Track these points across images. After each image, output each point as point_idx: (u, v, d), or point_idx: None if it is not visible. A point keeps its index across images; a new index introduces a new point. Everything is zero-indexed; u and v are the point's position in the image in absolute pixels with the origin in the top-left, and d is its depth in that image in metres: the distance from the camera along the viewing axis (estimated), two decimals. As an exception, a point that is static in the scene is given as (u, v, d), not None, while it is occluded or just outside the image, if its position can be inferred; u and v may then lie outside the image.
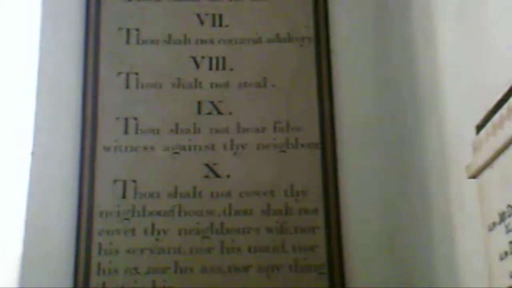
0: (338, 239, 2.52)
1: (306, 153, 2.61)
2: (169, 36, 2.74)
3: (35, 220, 2.52)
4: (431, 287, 2.16)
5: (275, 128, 2.64)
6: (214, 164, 2.60)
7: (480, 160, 1.59)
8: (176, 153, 2.62)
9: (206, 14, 2.75)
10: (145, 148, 2.62)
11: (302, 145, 2.62)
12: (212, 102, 2.67)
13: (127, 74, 2.70)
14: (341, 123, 2.64)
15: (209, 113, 2.66)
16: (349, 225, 2.55)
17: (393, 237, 2.51)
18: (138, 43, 2.74)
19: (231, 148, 2.62)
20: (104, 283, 2.46)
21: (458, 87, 1.87)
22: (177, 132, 2.64)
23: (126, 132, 2.64)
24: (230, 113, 2.66)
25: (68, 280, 2.45)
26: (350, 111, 2.65)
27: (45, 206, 2.55)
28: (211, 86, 2.70)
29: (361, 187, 2.59)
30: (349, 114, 2.65)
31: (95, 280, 2.46)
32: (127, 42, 2.74)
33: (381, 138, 2.60)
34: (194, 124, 2.65)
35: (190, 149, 2.62)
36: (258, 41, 2.74)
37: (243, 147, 2.62)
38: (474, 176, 1.64)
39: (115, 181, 2.58)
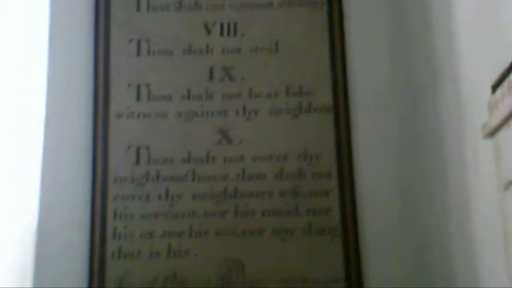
0: (352, 202, 2.53)
1: (319, 117, 2.61)
2: (180, 2, 2.73)
3: (50, 187, 2.55)
4: (445, 246, 2.18)
5: (287, 92, 2.64)
6: (227, 129, 2.61)
7: (496, 120, 1.59)
8: (189, 119, 2.63)
9: None
10: (158, 114, 2.63)
11: (315, 110, 2.62)
12: (224, 68, 2.67)
13: (138, 41, 2.70)
14: (354, 86, 2.63)
15: (221, 79, 2.66)
16: (362, 188, 2.55)
17: (407, 198, 2.52)
18: (148, 10, 2.73)
19: (244, 114, 2.63)
20: (120, 247, 2.49)
21: (474, 47, 1.86)
22: (189, 98, 2.65)
23: (138, 99, 2.65)
24: (242, 79, 2.66)
25: (84, 245, 2.48)
26: (363, 74, 2.64)
27: (60, 173, 2.57)
28: (223, 52, 2.69)
29: (375, 150, 2.59)
30: (362, 77, 2.63)
31: (111, 244, 2.49)
32: (138, 9, 2.73)
33: (395, 100, 2.60)
34: (206, 90, 2.65)
35: (202, 115, 2.63)
36: (269, 5, 2.72)
37: (255, 112, 2.62)
38: (490, 136, 1.65)
39: (129, 147, 2.60)
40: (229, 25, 2.72)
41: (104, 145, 2.60)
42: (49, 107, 2.63)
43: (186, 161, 2.59)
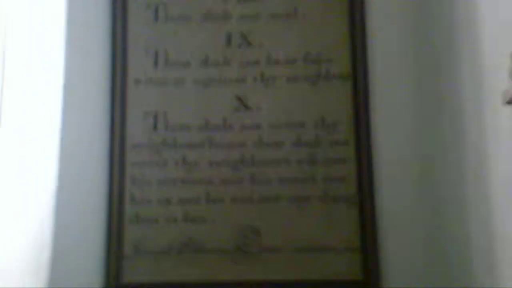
0: (369, 170, 2.52)
1: (338, 84, 2.59)
2: (197, -34, 2.70)
3: (69, 154, 2.56)
4: (462, 213, 2.16)
5: (305, 59, 2.61)
6: (245, 96, 2.60)
7: (516, 87, 1.56)
8: (206, 85, 2.62)
9: None
10: (175, 81, 2.63)
11: (334, 77, 2.59)
12: (242, 34, 2.64)
13: (156, 7, 2.69)
14: (373, 53, 2.59)
15: (239, 45, 2.64)
16: (380, 156, 2.53)
17: (425, 165, 2.50)
18: (166, -25, 2.71)
19: (262, 81, 2.61)
20: (137, 213, 2.52)
21: (495, 13, 1.82)
22: (207, 65, 2.63)
23: (156, 65, 2.65)
24: (260, 45, 2.63)
25: (102, 210, 2.51)
26: (382, 41, 2.59)
27: (78, 140, 2.58)
28: (241, 18, 2.66)
29: (393, 118, 2.56)
30: (381, 44, 2.59)
31: (129, 210, 2.52)
32: (155, -26, 2.71)
33: (414, 67, 2.55)
34: (224, 56, 2.63)
35: (220, 81, 2.62)
36: (288, -29, 2.68)
37: (273, 79, 2.60)
38: (510, 103, 1.62)
39: (146, 114, 2.60)
40: (247, -10, 2.68)
41: (122, 112, 2.61)
42: (67, 74, 2.63)
43: (203, 128, 2.59)
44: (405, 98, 2.57)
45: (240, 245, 2.48)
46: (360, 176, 2.51)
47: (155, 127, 2.60)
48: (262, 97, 2.60)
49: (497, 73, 1.73)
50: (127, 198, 2.53)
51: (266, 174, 2.54)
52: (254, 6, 2.67)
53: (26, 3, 2.66)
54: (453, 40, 2.22)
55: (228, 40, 2.65)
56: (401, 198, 2.50)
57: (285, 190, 2.52)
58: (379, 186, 2.51)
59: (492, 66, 1.82)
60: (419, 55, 2.55)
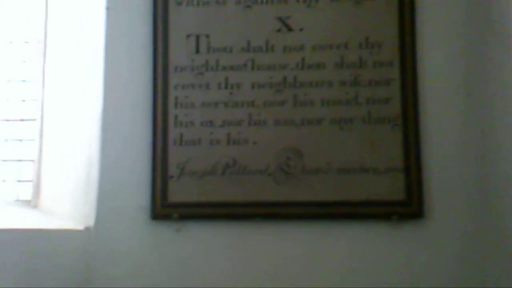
0: (413, 91, 2.47)
1: (383, 3, 2.52)
2: None
3: (113, 79, 2.60)
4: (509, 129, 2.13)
5: (349, -22, 2.54)
6: (287, 17, 2.56)
7: None
8: (248, 6, 2.58)
9: None
10: (217, 2, 2.60)
11: (378, -5, 2.52)
12: (284, -44, 2.57)
13: None
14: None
15: (281, -34, 2.57)
16: (425, 77, 2.49)
17: (471, 86, 2.45)
18: None
19: (304, 1, 2.56)
20: (181, 135, 2.55)
21: None
22: (249, -15, 2.59)
23: (197, -15, 2.61)
24: (303, -35, 2.56)
25: (147, 133, 2.54)
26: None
27: (121, 64, 2.61)
28: None
29: (439, 38, 2.50)
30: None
31: (173, 131, 2.55)
32: None
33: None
34: (266, -23, 2.58)
35: (262, 2, 2.58)
36: None
37: (316, -1, 2.55)
38: None
39: (188, 36, 2.59)
40: None
41: (164, 35, 2.60)
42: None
43: (245, 50, 2.57)
44: (453, 17, 2.50)
45: (283, 167, 2.50)
46: (404, 97, 2.48)
47: (197, 49, 2.59)
48: (305, 17, 2.55)
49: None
50: (171, 120, 2.55)
51: (308, 96, 2.52)
52: None
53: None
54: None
55: (271, -41, 2.58)
56: (446, 119, 2.47)
57: (327, 111, 2.51)
58: (424, 108, 2.47)
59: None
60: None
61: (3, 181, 2.78)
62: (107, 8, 2.63)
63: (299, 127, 2.51)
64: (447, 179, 2.44)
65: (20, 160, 2.80)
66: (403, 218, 2.43)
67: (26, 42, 2.90)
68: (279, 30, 2.56)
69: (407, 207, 2.43)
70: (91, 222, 2.52)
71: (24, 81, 2.87)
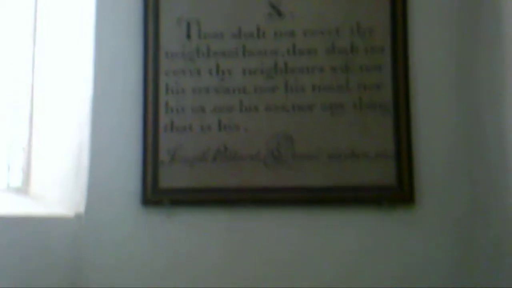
0: (405, 77, 2.48)
1: (374, -11, 2.52)
2: None
3: (103, 61, 2.58)
4: (499, 118, 2.13)
5: (340, -37, 2.53)
6: (278, 2, 2.55)
7: None
8: (239, -8, 2.57)
9: None
10: (208, -13, 2.59)
11: (370, -20, 2.52)
12: None
13: None
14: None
15: (272, -50, 2.57)
16: (416, 63, 2.49)
17: (462, 73, 2.45)
18: None
19: (295, -14, 2.56)
20: (172, 121, 2.54)
21: None
22: (239, -29, 2.58)
23: (188, -30, 2.60)
24: (294, -51, 2.56)
25: (138, 119, 2.53)
26: None
27: (111, 48, 2.59)
28: None
29: (432, 23, 2.51)
30: None
31: (163, 118, 2.54)
32: None
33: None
34: (257, -39, 2.57)
35: (253, -13, 2.57)
36: None
37: (307, -17, 2.54)
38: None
39: (179, 21, 2.58)
40: None
41: (155, 19, 2.58)
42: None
43: (236, 36, 2.56)
44: (445, 2, 2.51)
45: (274, 152, 2.50)
46: (395, 83, 2.48)
47: (188, 35, 2.58)
48: (296, 3, 2.55)
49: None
50: (162, 107, 2.54)
51: (299, 81, 2.52)
52: None
53: None
54: None
55: None
56: (437, 105, 2.48)
57: (318, 97, 2.51)
58: (415, 93, 2.48)
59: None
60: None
61: (-7, 167, 2.77)
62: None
63: (290, 113, 2.51)
64: (438, 165, 2.45)
65: (9, 147, 2.78)
66: (393, 203, 2.44)
67: (15, 25, 2.88)
68: (270, 16, 2.56)
69: (398, 192, 2.44)
70: (81, 208, 2.52)
71: (12, 66, 2.85)
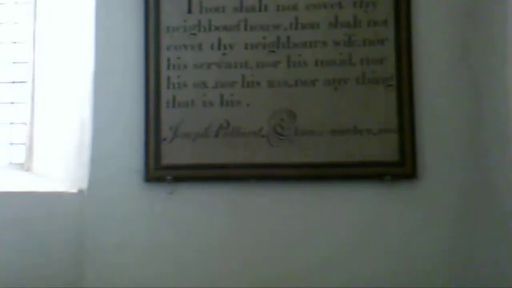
0: (408, 51, 2.45)
1: (377, -40, 2.47)
2: None
3: (104, 37, 2.56)
4: (504, 91, 2.11)
5: None
6: (280, -25, 2.52)
7: None
8: (240, -35, 2.53)
9: None
10: (208, -41, 2.55)
11: (372, -49, 2.47)
12: None
13: None
14: None
15: None
16: (419, 36, 2.46)
17: (465, 46, 2.42)
18: None
19: (297, -42, 2.51)
20: (174, 97, 2.52)
21: None
22: None
23: None
24: None
25: (140, 94, 2.52)
26: None
27: (112, 24, 2.57)
28: None
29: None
30: None
31: (165, 93, 2.52)
32: None
33: None
34: None
35: (254, -41, 2.53)
36: None
37: (309, -44, 2.50)
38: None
39: (180, -5, 2.55)
40: None
41: (155, -9, 2.55)
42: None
43: (238, 10, 2.53)
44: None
45: (276, 128, 2.48)
46: (398, 57, 2.45)
47: (189, 9, 2.55)
48: (298, -25, 2.51)
49: None
50: (164, 82, 2.53)
51: (302, 56, 2.49)
52: None
53: None
54: None
55: None
56: (440, 79, 2.45)
57: (321, 72, 2.48)
58: (418, 68, 2.44)
59: None
60: None
61: (-4, 144, 2.77)
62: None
63: (293, 88, 2.49)
64: (441, 140, 2.43)
65: (12, 123, 2.78)
66: (396, 178, 2.42)
67: (16, 3, 2.85)
68: (272, -12, 2.52)
69: (401, 167, 2.42)
70: (84, 184, 2.52)
71: (14, 42, 2.83)
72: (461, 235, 2.39)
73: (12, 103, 2.79)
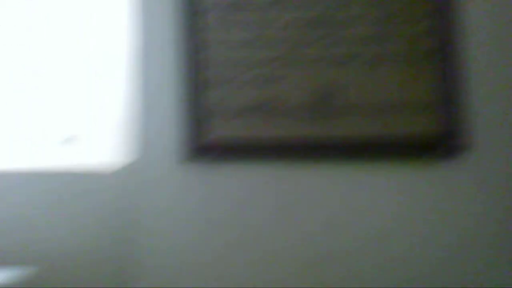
0: (452, 23, 2.40)
1: None
2: None
3: (141, 19, 2.56)
4: None
5: None
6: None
7: None
8: None
9: None
10: None
11: None
12: None
13: None
14: None
15: None
16: (465, 7, 2.41)
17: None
18: None
19: None
20: (212, 75, 2.52)
21: None
22: None
23: None
24: None
25: (179, 74, 2.52)
26: None
27: (150, 6, 2.57)
28: None
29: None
30: None
31: (205, 72, 2.51)
32: None
33: None
34: None
35: None
36: None
37: None
38: None
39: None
40: None
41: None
42: None
43: (277, -13, 2.52)
44: None
45: (318, 105, 2.47)
46: (443, 30, 2.41)
47: (226, -13, 2.54)
48: None
49: None
50: (202, 60, 2.52)
51: (341, 33, 2.47)
52: None
53: None
54: None
55: None
56: (488, 50, 2.40)
57: (361, 48, 2.46)
58: (464, 39, 2.40)
59: None
60: None
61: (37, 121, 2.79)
62: None
63: (333, 65, 2.47)
64: (488, 114, 2.39)
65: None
66: (446, 152, 2.39)
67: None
68: (311, -35, 2.50)
69: (449, 141, 2.39)
70: (126, 162, 2.53)
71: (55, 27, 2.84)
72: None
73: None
